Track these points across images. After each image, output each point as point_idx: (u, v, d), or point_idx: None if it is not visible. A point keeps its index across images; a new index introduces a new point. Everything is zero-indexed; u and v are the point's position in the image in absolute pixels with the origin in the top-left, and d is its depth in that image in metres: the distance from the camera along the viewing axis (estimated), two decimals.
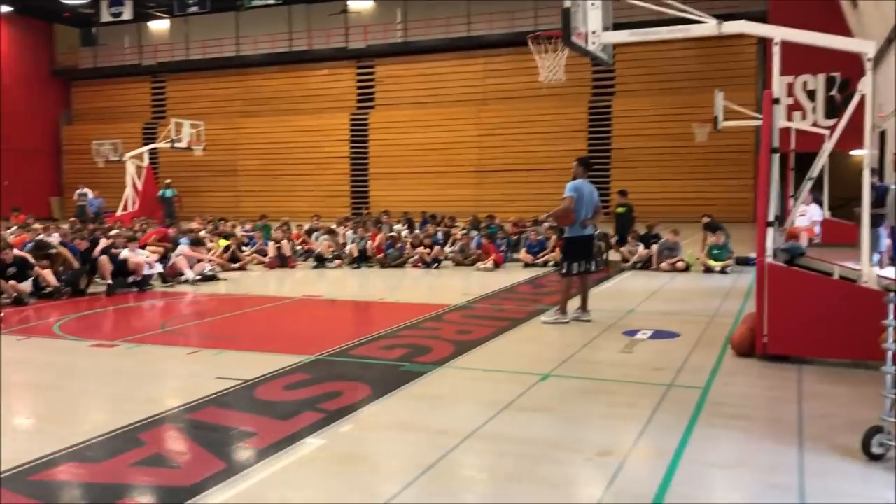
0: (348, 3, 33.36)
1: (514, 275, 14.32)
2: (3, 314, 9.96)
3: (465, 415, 5.81)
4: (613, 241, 16.07)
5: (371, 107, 33.35)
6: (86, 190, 26.30)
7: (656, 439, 5.33)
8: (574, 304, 9.72)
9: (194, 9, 31.89)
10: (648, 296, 11.85)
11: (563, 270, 9.54)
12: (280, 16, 34.05)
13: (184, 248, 13.90)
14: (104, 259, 12.29)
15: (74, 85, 38.25)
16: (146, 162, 26.21)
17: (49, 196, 36.08)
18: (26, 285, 11.20)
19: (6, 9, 34.28)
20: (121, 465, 4.84)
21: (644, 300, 11.39)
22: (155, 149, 30.95)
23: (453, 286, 13.44)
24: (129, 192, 25.28)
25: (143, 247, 13.73)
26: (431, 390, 6.57)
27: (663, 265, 14.47)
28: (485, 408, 5.98)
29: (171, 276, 13.31)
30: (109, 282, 12.19)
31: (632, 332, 8.84)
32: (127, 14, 32.85)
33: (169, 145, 24.83)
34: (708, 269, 14.20)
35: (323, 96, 33.85)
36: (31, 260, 11.76)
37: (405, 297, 12.23)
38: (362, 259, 16.05)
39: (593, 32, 8.32)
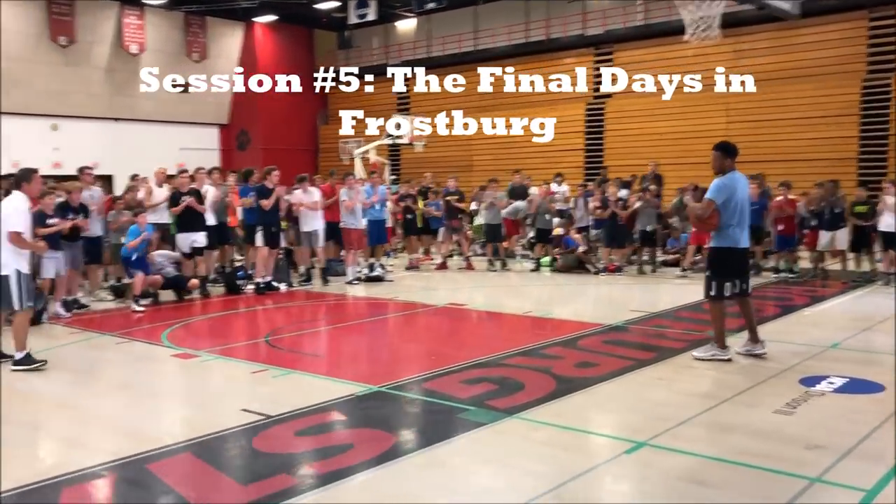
0: None
1: None
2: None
3: None
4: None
5: (608, 95, 31.19)
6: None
7: None
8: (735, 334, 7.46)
9: (432, 5, 31.86)
10: (876, 322, 9.01)
11: (713, 292, 7.28)
12: (518, 7, 33.04)
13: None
14: (262, 252, 11.94)
15: (331, 87, 40.27)
16: (373, 158, 26.57)
17: None
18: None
19: (271, 18, 36.86)
20: None
21: (865, 328, 8.64)
22: (397, 146, 31.47)
23: (628, 298, 11.42)
24: None
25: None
26: (465, 456, 4.95)
27: None
28: (507, 493, 4.29)
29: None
30: (259, 280, 11.85)
31: (813, 381, 6.44)
32: (371, 15, 33.71)
33: (390, 142, 24.82)
34: None
35: (559, 86, 32.25)
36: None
37: (558, 310, 10.43)
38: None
39: None
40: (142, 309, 10.45)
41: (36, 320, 9.45)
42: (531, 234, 15.27)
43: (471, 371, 6.99)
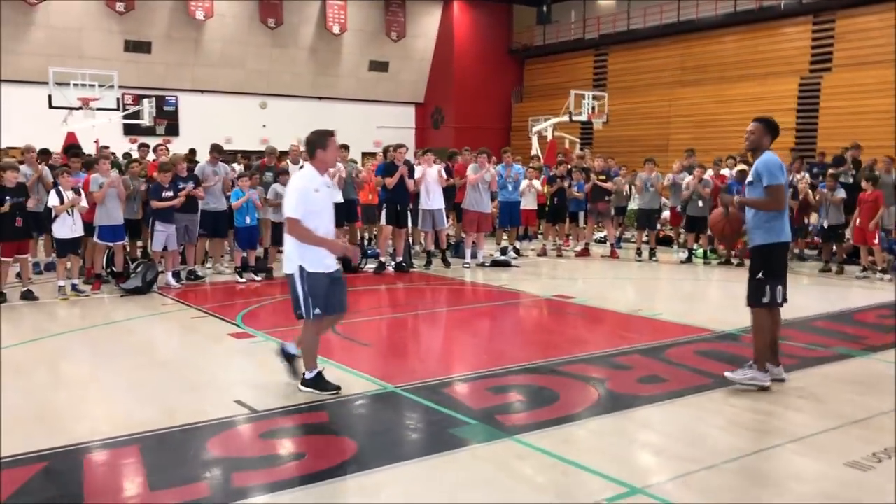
0: None
1: None
2: None
3: None
4: None
5: (827, 69, 27.76)
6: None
7: None
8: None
9: None
10: None
11: (766, 299, 5.86)
12: None
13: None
14: (385, 231, 11.72)
15: (527, 63, 39.67)
16: (550, 136, 25.63)
17: None
18: None
19: None
20: None
21: None
22: (589, 125, 30.30)
23: None
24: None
25: None
26: (413, 483, 4.21)
27: None
28: None
29: None
30: (382, 260, 11.62)
31: None
32: None
33: (567, 119, 23.78)
34: None
35: (769, 59, 29.31)
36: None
37: (673, 310, 9.10)
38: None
39: None
40: (244, 281, 10.57)
41: (146, 290, 9.86)
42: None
43: (512, 376, 6.18)
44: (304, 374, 5.74)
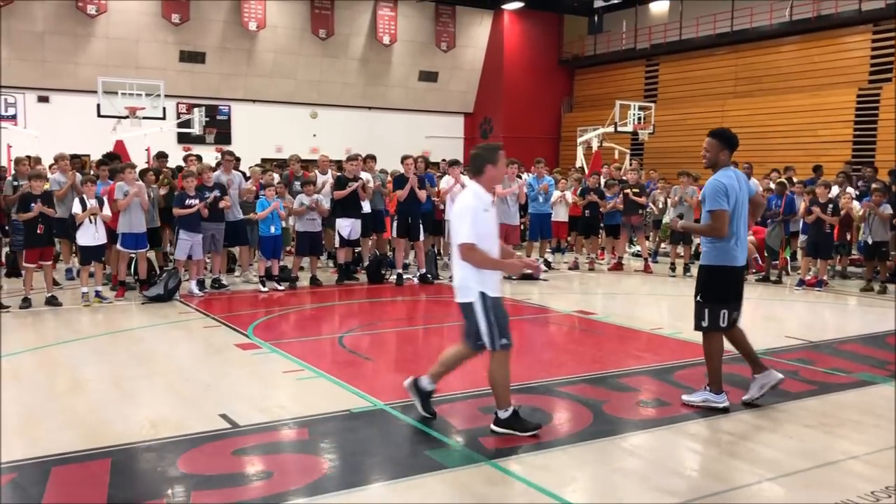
0: None
1: None
2: None
3: None
4: None
5: (887, 80, 26.81)
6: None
7: None
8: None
9: None
10: None
11: (705, 323, 5.67)
12: None
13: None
14: (398, 244, 11.69)
15: (577, 73, 39.33)
16: (595, 147, 25.28)
17: None
18: None
19: (518, 4, 36.62)
20: None
21: None
22: (636, 136, 29.89)
23: (801, 320, 9.44)
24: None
25: None
26: None
27: None
28: None
29: None
30: (399, 271, 11.54)
31: None
32: None
33: (612, 130, 23.43)
34: None
35: (826, 70, 28.49)
36: None
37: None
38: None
39: None
40: (266, 290, 10.61)
41: (167, 297, 9.97)
42: None
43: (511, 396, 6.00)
44: (496, 412, 5.13)
